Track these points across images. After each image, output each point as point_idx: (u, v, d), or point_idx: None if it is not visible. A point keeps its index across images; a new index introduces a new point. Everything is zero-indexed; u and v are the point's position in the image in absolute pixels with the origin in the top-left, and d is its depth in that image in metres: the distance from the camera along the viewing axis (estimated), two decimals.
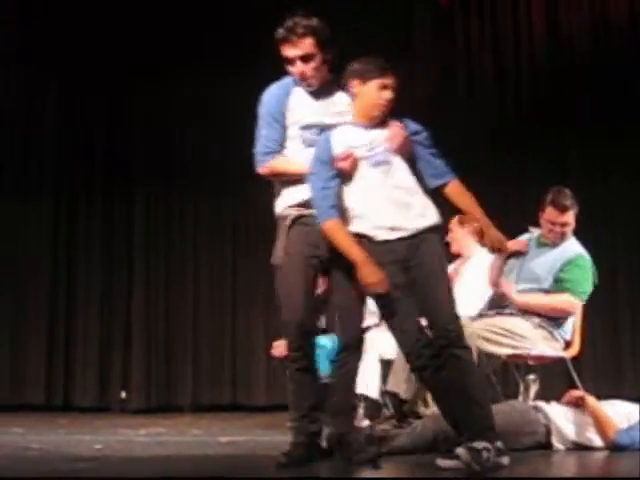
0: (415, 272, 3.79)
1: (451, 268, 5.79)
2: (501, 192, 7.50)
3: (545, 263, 5.06)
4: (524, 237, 5.24)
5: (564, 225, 5.07)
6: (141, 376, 8.11)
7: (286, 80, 4.15)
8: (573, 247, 5.12)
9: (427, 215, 3.88)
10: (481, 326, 4.82)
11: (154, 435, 5.66)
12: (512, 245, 5.06)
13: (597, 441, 4.21)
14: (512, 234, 5.06)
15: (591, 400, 4.30)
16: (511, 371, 5.20)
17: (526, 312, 4.92)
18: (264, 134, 4.11)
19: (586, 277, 5.04)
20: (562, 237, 5.09)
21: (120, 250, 8.33)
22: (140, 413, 7.69)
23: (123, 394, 8.12)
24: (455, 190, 3.92)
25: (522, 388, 4.99)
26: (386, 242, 3.83)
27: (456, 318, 3.78)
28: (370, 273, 3.73)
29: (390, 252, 3.81)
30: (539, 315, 4.91)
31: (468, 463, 3.54)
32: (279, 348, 6.41)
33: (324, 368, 6.15)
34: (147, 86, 8.23)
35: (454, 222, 5.78)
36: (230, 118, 7.58)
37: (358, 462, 3.79)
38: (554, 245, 5.10)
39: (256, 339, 8.11)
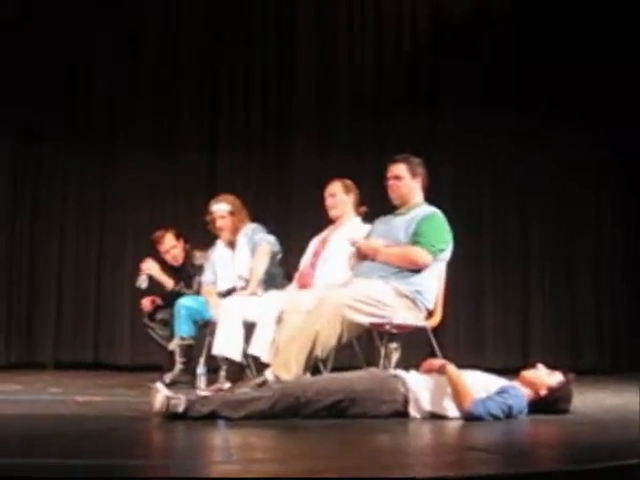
0: None
1: (319, 238, 5.80)
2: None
3: (401, 225, 5.09)
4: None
5: (397, 178, 5.15)
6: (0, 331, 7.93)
7: None
8: (426, 208, 5.17)
9: None
10: (346, 294, 4.83)
11: (9, 393, 5.49)
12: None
13: (454, 411, 4.24)
14: None
15: (451, 368, 4.31)
16: (374, 338, 5.22)
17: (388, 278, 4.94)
18: None
19: (438, 232, 5.06)
20: (399, 191, 5.15)
21: None
22: None
23: None
24: None
25: (383, 356, 5.02)
26: None
27: None
28: None
29: None
30: (402, 279, 4.94)
31: None
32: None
33: (187, 329, 6.11)
34: None
35: (338, 187, 5.76)
36: None
37: None
38: (408, 210, 5.14)
39: (122, 296, 8.00)
